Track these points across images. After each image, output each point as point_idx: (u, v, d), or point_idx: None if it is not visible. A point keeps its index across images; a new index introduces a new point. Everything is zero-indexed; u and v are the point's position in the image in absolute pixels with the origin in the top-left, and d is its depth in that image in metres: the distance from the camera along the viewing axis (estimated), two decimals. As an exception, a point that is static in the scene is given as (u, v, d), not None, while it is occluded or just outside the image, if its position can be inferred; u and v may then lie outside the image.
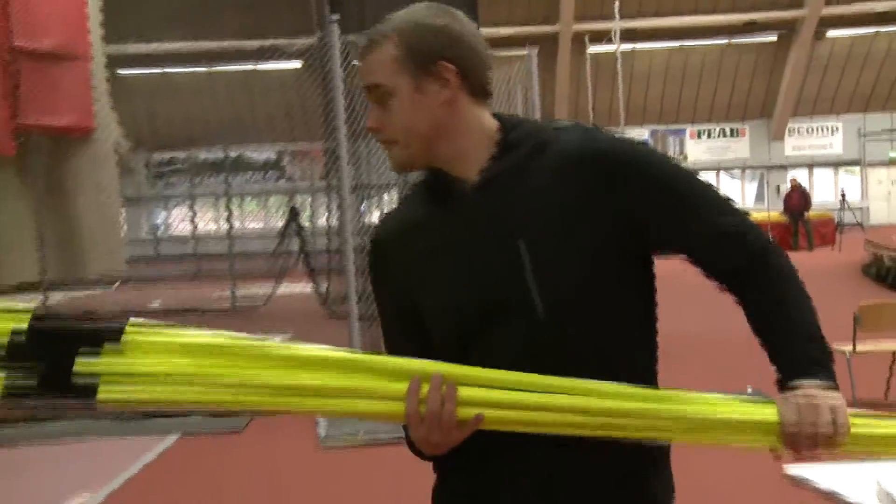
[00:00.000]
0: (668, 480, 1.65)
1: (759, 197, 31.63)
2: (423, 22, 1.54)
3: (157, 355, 1.42)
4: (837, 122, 32.09)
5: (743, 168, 32.52)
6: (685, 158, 32.20)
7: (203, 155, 26.59)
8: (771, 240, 1.63)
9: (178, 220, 28.68)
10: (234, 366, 1.45)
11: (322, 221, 16.37)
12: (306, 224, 17.06)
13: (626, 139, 1.63)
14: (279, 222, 25.68)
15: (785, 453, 1.46)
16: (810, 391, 1.44)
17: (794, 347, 1.52)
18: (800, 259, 16.89)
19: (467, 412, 1.43)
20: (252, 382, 1.44)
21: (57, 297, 15.56)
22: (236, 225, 18.33)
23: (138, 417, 7.37)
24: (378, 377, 1.46)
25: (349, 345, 6.63)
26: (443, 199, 1.61)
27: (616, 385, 1.47)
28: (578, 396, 1.45)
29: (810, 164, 32.30)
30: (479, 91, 1.58)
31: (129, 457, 6.34)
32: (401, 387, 1.44)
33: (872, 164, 31.74)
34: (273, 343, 1.48)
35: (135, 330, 1.41)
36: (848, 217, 24.25)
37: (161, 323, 1.45)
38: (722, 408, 1.46)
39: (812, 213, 23.16)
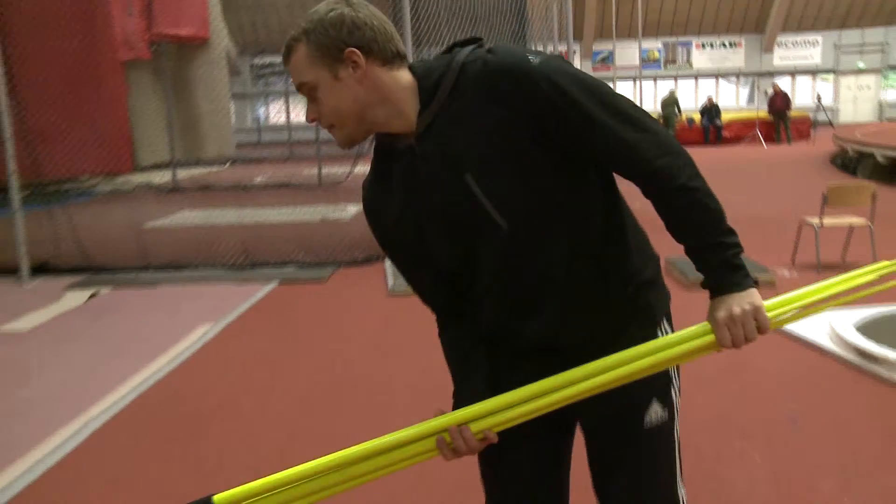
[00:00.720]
0: (664, 296, 1.61)
1: (751, 99, 30.78)
2: (323, 19, 1.43)
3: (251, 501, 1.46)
4: (818, 37, 30.77)
5: (738, 75, 31.51)
6: (691, 66, 31.29)
7: (295, 59, 26.27)
8: (673, 149, 1.43)
9: (276, 113, 28.62)
10: (310, 483, 1.46)
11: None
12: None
13: (517, 58, 1.41)
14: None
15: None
16: (732, 308, 1.40)
17: (705, 255, 1.44)
18: (780, 150, 16.56)
19: (481, 434, 1.46)
20: (326, 485, 1.47)
21: (182, 174, 15.73)
22: (322, 117, 18.19)
23: (247, 267, 7.57)
24: (407, 446, 1.47)
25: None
26: (394, 157, 1.52)
27: (584, 367, 1.44)
28: (557, 392, 1.44)
29: (793, 73, 31.20)
30: (391, 58, 1.45)
31: (242, 297, 6.51)
32: (426, 443, 1.46)
33: (844, 72, 30.64)
34: (328, 457, 1.47)
35: (222, 498, 1.44)
36: (822, 117, 23.72)
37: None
38: (674, 347, 1.45)
39: (792, 113, 22.42)
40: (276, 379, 4.57)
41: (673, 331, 1.59)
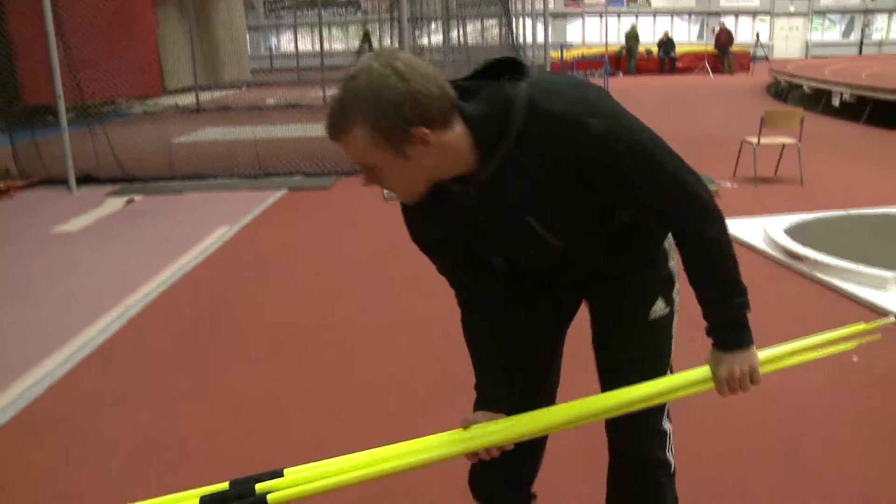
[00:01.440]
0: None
1: (700, 35, 30.17)
2: (381, 98, 1.13)
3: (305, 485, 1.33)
4: (758, -18, 30.14)
5: (690, 13, 30.76)
6: (649, 4, 30.45)
7: (302, -5, 25.35)
8: (709, 212, 1.32)
9: (286, 42, 27.77)
10: (358, 471, 1.35)
11: (387, 42, 15.73)
12: (376, 45, 16.33)
13: (577, 118, 1.20)
14: (356, 43, 24.83)
15: None
16: (734, 368, 1.37)
17: (717, 311, 1.39)
18: (724, 80, 16.38)
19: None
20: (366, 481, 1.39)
21: (204, 96, 15.33)
22: (326, 46, 17.70)
23: (261, 176, 7.44)
24: (439, 448, 1.37)
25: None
26: (446, 197, 1.31)
27: (594, 399, 1.41)
28: (572, 421, 1.39)
29: (737, 13, 30.47)
30: (448, 115, 1.18)
31: (256, 202, 6.43)
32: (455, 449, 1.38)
33: (778, 14, 30.08)
34: (371, 452, 1.36)
35: (276, 498, 1.29)
36: (759, 52, 23.37)
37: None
38: (679, 391, 1.43)
39: (734, 48, 22.08)
40: (286, 272, 4.53)
41: (672, 245, 1.53)
